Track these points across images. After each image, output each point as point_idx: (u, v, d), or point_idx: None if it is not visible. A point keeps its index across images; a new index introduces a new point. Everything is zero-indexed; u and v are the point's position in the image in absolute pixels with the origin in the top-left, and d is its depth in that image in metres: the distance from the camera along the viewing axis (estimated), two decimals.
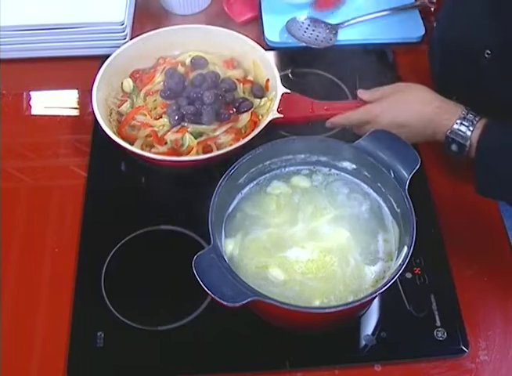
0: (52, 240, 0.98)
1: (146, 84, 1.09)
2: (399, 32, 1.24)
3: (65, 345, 0.87)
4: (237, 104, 1.06)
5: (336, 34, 1.23)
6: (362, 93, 1.02)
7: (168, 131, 1.02)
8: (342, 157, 0.90)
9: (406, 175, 0.84)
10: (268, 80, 1.08)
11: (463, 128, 0.92)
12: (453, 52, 1.03)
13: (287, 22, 1.24)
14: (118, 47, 1.11)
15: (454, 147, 0.93)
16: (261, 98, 1.08)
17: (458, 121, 0.92)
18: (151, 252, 0.96)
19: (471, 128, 0.91)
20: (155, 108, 1.06)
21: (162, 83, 1.08)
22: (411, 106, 0.96)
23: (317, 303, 0.80)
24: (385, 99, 0.99)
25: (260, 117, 1.05)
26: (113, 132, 1.00)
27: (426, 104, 0.96)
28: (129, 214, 1.00)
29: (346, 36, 1.24)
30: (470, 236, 0.99)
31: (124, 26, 1.18)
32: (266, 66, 1.09)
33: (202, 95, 1.04)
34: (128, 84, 1.10)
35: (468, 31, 0.98)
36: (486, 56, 0.94)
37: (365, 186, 0.90)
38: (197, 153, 1.00)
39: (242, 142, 0.98)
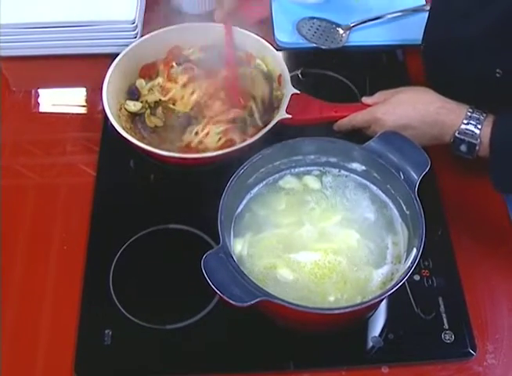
0: (61, 238, 0.98)
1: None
2: (410, 34, 1.23)
3: (73, 343, 0.87)
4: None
5: (346, 35, 1.23)
6: (365, 99, 1.03)
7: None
8: (352, 158, 0.90)
9: (416, 177, 0.84)
10: (280, 75, 1.08)
11: (471, 127, 0.91)
12: (455, 72, 1.02)
13: (298, 22, 1.25)
14: (128, 45, 1.11)
15: (463, 148, 0.93)
16: None
17: (465, 121, 0.92)
18: (160, 251, 0.96)
19: (479, 126, 0.91)
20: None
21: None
22: (413, 107, 0.96)
23: (332, 299, 0.80)
24: (388, 100, 0.99)
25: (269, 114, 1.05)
26: (123, 127, 1.01)
27: (428, 104, 0.95)
28: (138, 212, 1.00)
29: (356, 37, 1.24)
30: (479, 238, 0.98)
31: (135, 24, 1.18)
32: (277, 66, 1.09)
33: None
34: (141, 85, 1.11)
35: (473, 49, 0.97)
36: (497, 75, 0.94)
37: (375, 188, 0.90)
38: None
39: (249, 141, 0.98)
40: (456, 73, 1.01)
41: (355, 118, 1.01)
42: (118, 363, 0.87)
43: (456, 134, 0.92)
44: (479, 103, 0.94)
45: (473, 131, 0.91)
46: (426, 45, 1.09)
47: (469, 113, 0.92)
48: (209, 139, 1.02)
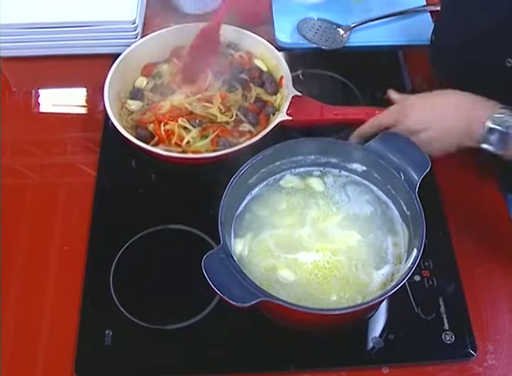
0: (61, 238, 0.98)
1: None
2: (410, 34, 1.24)
3: (73, 343, 0.87)
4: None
5: (347, 35, 1.23)
6: (391, 92, 1.00)
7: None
8: (352, 158, 0.90)
9: (417, 178, 0.84)
10: (282, 77, 1.09)
11: (505, 115, 0.86)
12: (467, 63, 1.01)
13: (298, 23, 1.25)
14: (129, 46, 1.11)
15: (493, 139, 0.87)
16: (275, 94, 1.10)
17: (499, 110, 0.87)
18: (160, 251, 0.96)
19: None
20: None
21: None
22: (447, 102, 0.92)
23: (333, 299, 0.81)
24: (418, 97, 0.95)
25: (270, 115, 1.05)
26: (124, 127, 1.01)
27: (461, 99, 0.91)
28: (138, 213, 1.00)
29: (357, 38, 1.24)
30: (479, 239, 0.98)
31: (135, 25, 1.18)
32: (279, 68, 1.10)
33: None
34: (141, 81, 1.11)
35: (484, 41, 0.96)
36: (508, 64, 0.93)
37: (375, 188, 0.90)
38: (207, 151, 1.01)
39: (249, 141, 0.98)
40: (467, 66, 1.01)
41: (379, 121, 0.96)
42: (118, 364, 0.87)
43: (489, 123, 0.86)
44: (490, 97, 0.93)
45: (508, 119, 0.86)
46: (435, 41, 1.08)
47: (502, 106, 0.88)
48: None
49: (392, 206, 0.88)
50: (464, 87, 0.94)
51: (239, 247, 0.85)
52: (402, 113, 0.93)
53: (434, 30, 1.09)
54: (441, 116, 0.91)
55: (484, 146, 0.88)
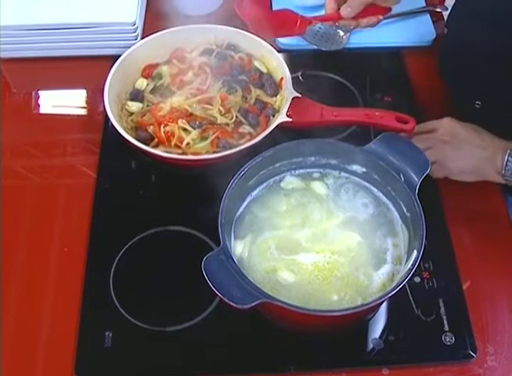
0: (62, 239, 0.98)
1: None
2: (410, 36, 1.24)
3: (73, 345, 0.87)
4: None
5: (347, 36, 1.23)
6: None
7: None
8: (352, 160, 0.90)
9: (416, 179, 0.84)
10: (282, 78, 1.09)
11: None
12: (474, 57, 1.01)
13: None
14: (129, 47, 1.11)
15: None
16: (275, 96, 1.09)
17: None
18: (160, 253, 0.96)
19: None
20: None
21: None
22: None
23: (334, 300, 0.80)
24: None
25: (270, 117, 1.05)
26: (124, 128, 1.01)
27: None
28: (138, 214, 1.00)
29: (357, 39, 1.24)
30: (479, 239, 0.99)
31: (135, 26, 1.19)
32: (279, 70, 1.09)
33: None
34: (141, 83, 1.11)
35: (492, 34, 0.97)
36: None
37: (375, 190, 0.90)
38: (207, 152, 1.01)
39: (249, 143, 0.98)
40: (478, 56, 1.01)
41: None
42: (118, 365, 0.87)
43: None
44: (500, 91, 0.93)
45: None
46: (447, 35, 1.09)
47: None
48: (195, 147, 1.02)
49: (392, 207, 0.88)
50: (471, 93, 0.95)
51: (239, 248, 0.85)
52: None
53: (445, 23, 1.09)
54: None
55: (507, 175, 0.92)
